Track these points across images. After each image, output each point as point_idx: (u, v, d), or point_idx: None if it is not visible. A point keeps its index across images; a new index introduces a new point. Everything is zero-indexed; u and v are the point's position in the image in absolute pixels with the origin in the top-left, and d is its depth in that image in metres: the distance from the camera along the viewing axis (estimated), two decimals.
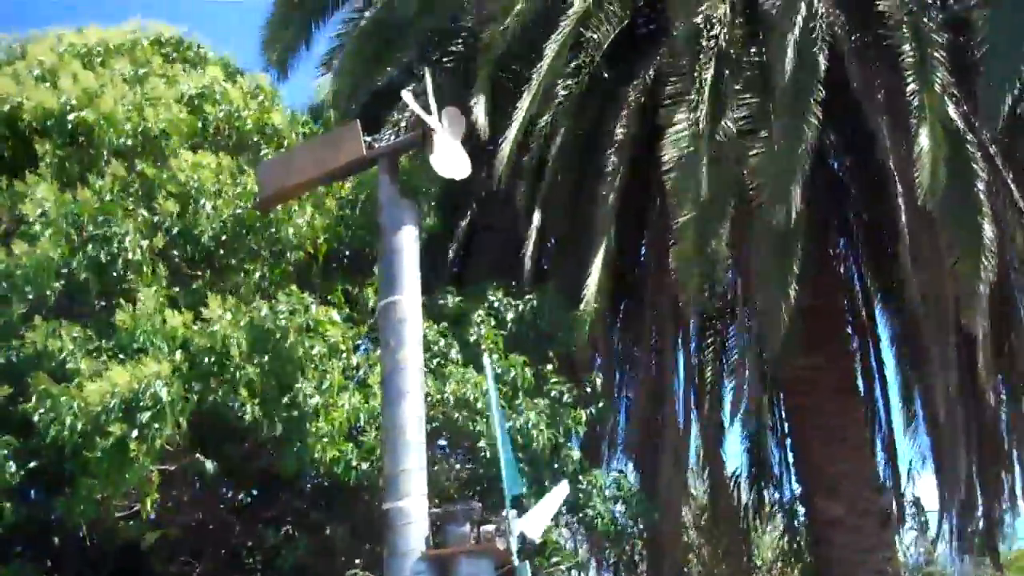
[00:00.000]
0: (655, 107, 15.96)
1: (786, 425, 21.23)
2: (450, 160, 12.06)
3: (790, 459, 21.61)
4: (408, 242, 11.47)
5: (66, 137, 13.53)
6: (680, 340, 18.57)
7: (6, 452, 11.36)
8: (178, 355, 11.64)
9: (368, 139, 12.21)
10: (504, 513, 11.02)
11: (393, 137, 15.54)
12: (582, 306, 15.18)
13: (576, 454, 14.12)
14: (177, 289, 12.89)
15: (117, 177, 13.22)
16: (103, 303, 12.77)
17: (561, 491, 11.83)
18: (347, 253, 14.70)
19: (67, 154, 13.48)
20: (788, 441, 21.30)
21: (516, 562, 11.02)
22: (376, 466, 12.44)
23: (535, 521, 11.17)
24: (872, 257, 20.04)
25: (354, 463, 12.41)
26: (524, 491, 11.53)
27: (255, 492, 13.04)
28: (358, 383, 13.04)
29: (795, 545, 21.79)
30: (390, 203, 11.63)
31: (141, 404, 11.06)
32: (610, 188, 16.17)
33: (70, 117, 13.38)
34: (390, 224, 11.51)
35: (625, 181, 16.30)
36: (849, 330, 20.55)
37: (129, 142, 13.60)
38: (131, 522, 11.68)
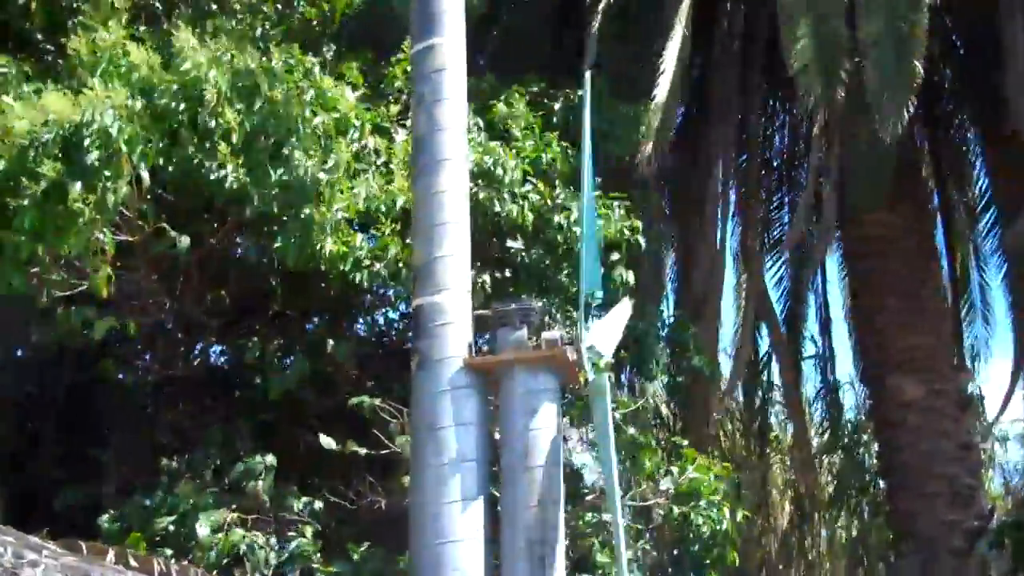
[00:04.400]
0: None
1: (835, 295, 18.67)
2: None
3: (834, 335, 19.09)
4: None
5: None
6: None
7: None
8: (137, 103, 8.65)
9: None
10: (578, 315, 8.36)
11: None
12: (652, 104, 12.64)
13: (629, 276, 11.27)
14: (143, 28, 9.88)
15: None
16: (47, 44, 9.83)
17: (624, 308, 9.16)
18: (369, 22, 11.78)
19: None
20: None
21: (590, 374, 8.35)
22: (391, 266, 9.65)
23: (604, 336, 8.65)
24: (971, 94, 17.13)
25: (365, 261, 9.54)
26: (600, 294, 8.75)
27: (237, 291, 10.02)
28: (377, 168, 10.19)
29: (840, 431, 19.07)
30: None
31: (85, 140, 8.08)
32: None
33: None
34: None
35: None
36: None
37: None
38: (73, 308, 8.68)
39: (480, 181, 10.32)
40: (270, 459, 9.51)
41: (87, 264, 8.26)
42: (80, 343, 9.25)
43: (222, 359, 10.64)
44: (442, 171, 8.63)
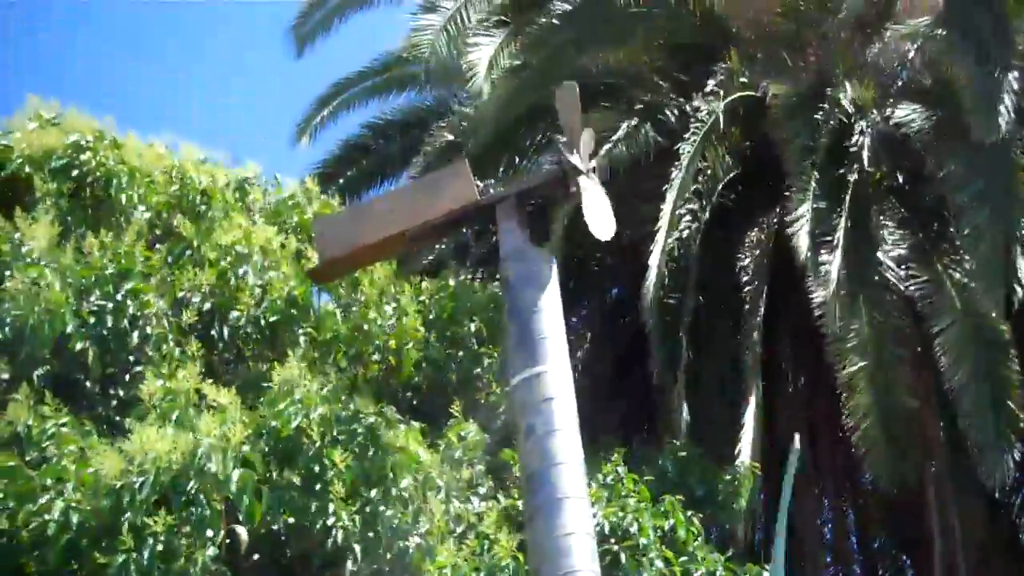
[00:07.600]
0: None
1: None
2: (599, 214, 9.04)
3: None
4: (549, 299, 8.56)
5: (71, 180, 9.95)
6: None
7: None
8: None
9: (479, 184, 9.00)
10: None
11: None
12: (738, 462, 12.10)
13: None
14: (211, 382, 9.03)
15: (139, 233, 9.66)
16: (100, 391, 9.02)
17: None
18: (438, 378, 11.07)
19: (70, 205, 9.88)
20: None
21: None
22: None
23: None
24: None
25: None
26: None
27: None
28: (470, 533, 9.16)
29: None
30: (518, 254, 8.79)
31: (190, 486, 7.05)
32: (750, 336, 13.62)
33: (81, 158, 9.92)
34: (521, 279, 8.65)
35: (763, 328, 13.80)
36: None
37: (156, 199, 10.12)
38: None
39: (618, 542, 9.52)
40: None
41: None
42: None
43: None
44: (564, 511, 7.53)
